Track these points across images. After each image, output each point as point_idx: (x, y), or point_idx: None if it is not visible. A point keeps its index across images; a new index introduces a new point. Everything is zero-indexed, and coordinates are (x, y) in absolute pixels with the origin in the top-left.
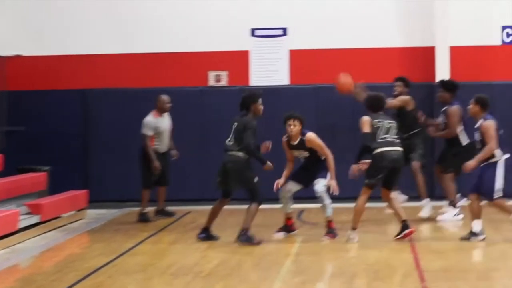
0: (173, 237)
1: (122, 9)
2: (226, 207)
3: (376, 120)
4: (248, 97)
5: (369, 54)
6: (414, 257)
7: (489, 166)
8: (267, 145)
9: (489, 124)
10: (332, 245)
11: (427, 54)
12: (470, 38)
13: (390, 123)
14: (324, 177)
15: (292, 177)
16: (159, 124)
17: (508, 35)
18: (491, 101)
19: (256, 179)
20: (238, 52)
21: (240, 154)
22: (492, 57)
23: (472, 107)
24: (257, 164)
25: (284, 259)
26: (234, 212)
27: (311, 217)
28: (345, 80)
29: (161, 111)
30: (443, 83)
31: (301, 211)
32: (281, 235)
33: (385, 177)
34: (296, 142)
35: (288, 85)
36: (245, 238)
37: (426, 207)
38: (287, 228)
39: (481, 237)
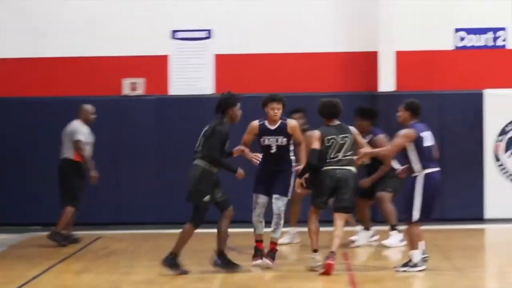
0: (81, 266)
1: (28, 9)
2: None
3: (328, 138)
4: (225, 99)
5: (304, 60)
6: None
7: (411, 182)
8: (242, 148)
9: (404, 133)
10: (257, 275)
11: (369, 60)
12: (419, 42)
13: (344, 137)
14: (284, 191)
15: (262, 187)
16: (87, 134)
17: (461, 39)
18: (439, 111)
19: (207, 198)
20: (156, 57)
21: (201, 163)
22: (443, 63)
23: (401, 113)
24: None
25: None
26: (164, 237)
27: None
28: None
29: (85, 122)
30: (359, 110)
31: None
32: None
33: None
34: (275, 126)
35: (213, 94)
36: (171, 263)
37: (361, 234)
38: (262, 252)
39: (420, 267)
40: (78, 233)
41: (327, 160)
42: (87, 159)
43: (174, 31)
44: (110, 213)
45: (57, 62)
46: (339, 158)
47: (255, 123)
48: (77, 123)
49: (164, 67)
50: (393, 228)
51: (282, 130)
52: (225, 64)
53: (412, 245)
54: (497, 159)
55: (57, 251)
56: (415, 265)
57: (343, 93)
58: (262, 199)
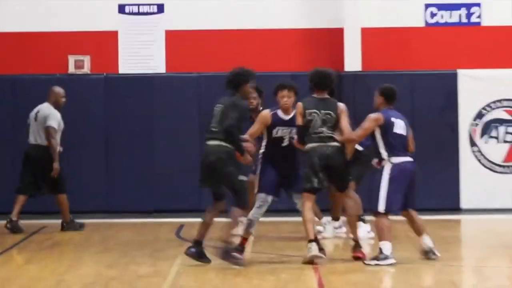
0: (25, 257)
1: None
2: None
3: (309, 111)
4: (239, 74)
5: (264, 37)
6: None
7: (380, 171)
8: (248, 138)
9: (372, 117)
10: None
11: (334, 37)
12: (386, 19)
13: (327, 114)
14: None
15: (272, 186)
16: (60, 120)
17: (432, 14)
18: (410, 93)
19: (242, 177)
20: (104, 32)
21: (221, 143)
22: (412, 41)
23: (376, 98)
24: None
25: (160, 284)
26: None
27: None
28: None
29: (55, 105)
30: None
31: (181, 226)
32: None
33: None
34: (290, 116)
35: (164, 73)
36: (225, 254)
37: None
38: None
39: (390, 260)
40: (22, 222)
41: (311, 135)
42: (54, 148)
43: (122, 5)
44: (54, 201)
45: None
46: (322, 134)
47: (267, 112)
48: (48, 106)
49: (112, 44)
50: (359, 219)
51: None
52: (178, 41)
53: (381, 236)
54: (473, 145)
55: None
56: (385, 258)
57: (305, 72)
58: (270, 198)
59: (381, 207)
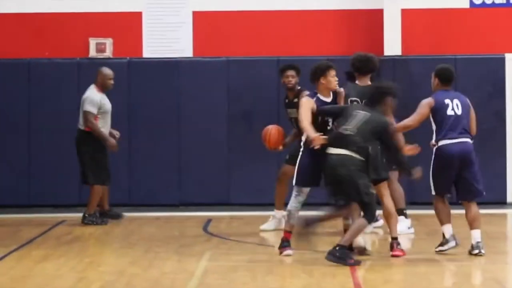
0: (42, 253)
1: None
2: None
3: (351, 99)
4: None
5: (297, 18)
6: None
7: None
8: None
9: (424, 103)
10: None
11: (372, 19)
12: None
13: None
14: None
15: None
16: (104, 101)
17: None
18: (457, 79)
19: (372, 189)
20: (127, 13)
21: (351, 152)
22: (457, 23)
23: (432, 80)
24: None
25: (186, 282)
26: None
27: (222, 228)
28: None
29: (103, 87)
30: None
31: (208, 221)
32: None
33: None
34: (331, 98)
35: (192, 57)
36: (339, 255)
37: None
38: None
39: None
40: (38, 216)
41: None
42: (98, 132)
43: None
44: (74, 194)
45: (12, 19)
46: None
47: (309, 98)
48: (91, 89)
49: (136, 26)
50: (401, 213)
51: (336, 101)
52: (206, 23)
53: (439, 221)
54: None
55: (15, 236)
56: (446, 242)
57: (341, 57)
58: (307, 189)
59: (432, 190)
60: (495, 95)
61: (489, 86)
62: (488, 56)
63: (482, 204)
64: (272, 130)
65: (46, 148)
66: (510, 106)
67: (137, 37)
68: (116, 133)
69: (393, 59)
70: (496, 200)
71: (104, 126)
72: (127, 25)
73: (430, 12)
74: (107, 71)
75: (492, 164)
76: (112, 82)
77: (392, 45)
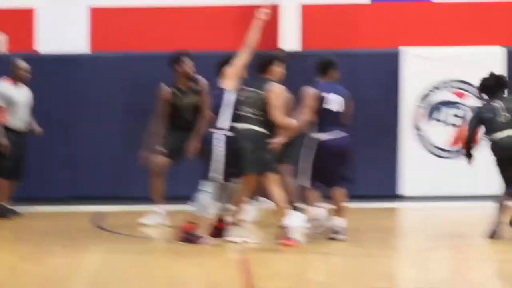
0: None
1: None
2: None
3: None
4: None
5: (194, 14)
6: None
7: None
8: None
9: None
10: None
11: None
12: None
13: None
14: None
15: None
16: (13, 94)
17: None
18: (354, 74)
19: None
20: (20, 11)
21: None
22: (357, 18)
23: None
24: None
25: (77, 277)
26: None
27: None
28: None
29: (16, 79)
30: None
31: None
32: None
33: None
34: None
35: (88, 53)
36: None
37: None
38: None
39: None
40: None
41: None
42: None
43: None
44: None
45: None
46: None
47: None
48: (2, 82)
49: (29, 21)
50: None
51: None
52: (103, 18)
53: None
54: (417, 128)
55: None
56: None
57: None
58: None
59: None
60: (390, 88)
61: (385, 80)
62: (385, 51)
63: (374, 197)
64: None
65: None
66: (405, 100)
67: (30, 32)
68: (38, 130)
69: (291, 55)
70: (389, 194)
71: (14, 120)
72: (21, 21)
73: (331, 8)
74: (22, 63)
75: (386, 157)
76: (26, 75)
77: (290, 40)
